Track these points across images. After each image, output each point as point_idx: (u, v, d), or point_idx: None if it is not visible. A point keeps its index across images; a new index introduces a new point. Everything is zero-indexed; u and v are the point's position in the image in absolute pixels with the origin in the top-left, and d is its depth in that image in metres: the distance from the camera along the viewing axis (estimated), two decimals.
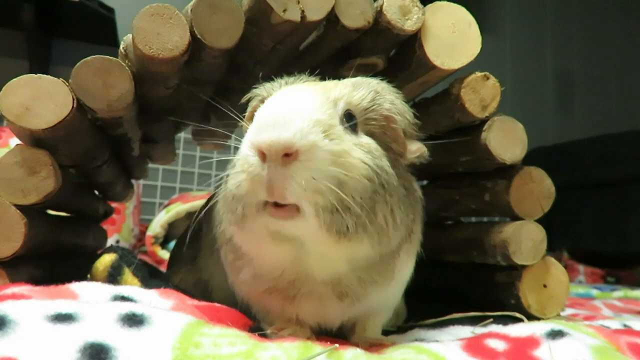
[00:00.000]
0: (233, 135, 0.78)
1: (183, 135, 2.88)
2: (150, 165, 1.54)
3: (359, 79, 0.75)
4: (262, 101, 0.75)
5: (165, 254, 2.35)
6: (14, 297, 0.63)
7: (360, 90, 0.72)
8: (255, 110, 0.74)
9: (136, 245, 2.54)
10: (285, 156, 0.59)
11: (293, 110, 0.63)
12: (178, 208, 2.48)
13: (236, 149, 0.69)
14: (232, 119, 0.80)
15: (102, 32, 2.57)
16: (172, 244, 2.41)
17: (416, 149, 0.74)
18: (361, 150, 0.66)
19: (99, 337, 0.52)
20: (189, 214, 2.39)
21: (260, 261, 0.71)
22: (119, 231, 2.36)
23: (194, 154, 3.05)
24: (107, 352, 0.50)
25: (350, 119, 0.69)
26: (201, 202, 1.87)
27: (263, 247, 0.68)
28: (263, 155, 0.60)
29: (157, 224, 2.46)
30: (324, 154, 0.61)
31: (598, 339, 0.70)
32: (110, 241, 2.07)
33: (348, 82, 0.74)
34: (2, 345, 0.48)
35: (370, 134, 0.71)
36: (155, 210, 2.87)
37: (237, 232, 0.69)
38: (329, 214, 0.62)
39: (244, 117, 0.79)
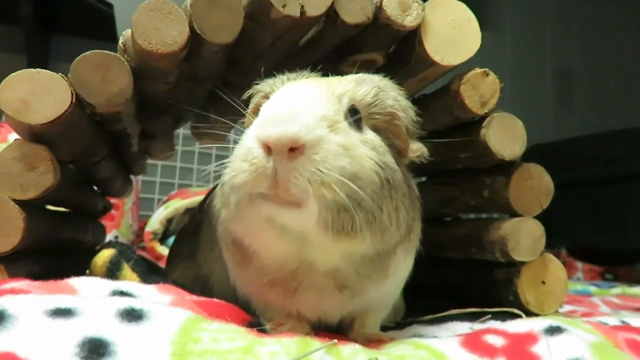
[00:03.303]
0: (232, 131, 0.78)
1: (182, 131, 2.88)
2: (149, 161, 1.54)
3: (361, 75, 0.75)
4: (265, 97, 0.75)
5: (164, 250, 2.35)
6: (13, 292, 0.63)
7: (364, 85, 0.72)
8: (258, 106, 0.74)
9: (135, 241, 2.54)
10: (291, 151, 0.59)
11: (299, 106, 0.63)
12: (177, 204, 2.47)
13: (236, 144, 0.69)
14: (232, 115, 0.80)
15: (100, 28, 2.55)
16: (171, 240, 2.41)
17: (417, 148, 0.75)
18: (366, 147, 0.66)
19: (98, 331, 0.52)
20: (188, 210, 2.39)
21: (265, 254, 0.70)
22: (117, 227, 2.35)
23: (193, 149, 3.05)
24: (106, 347, 0.50)
25: (354, 115, 0.69)
26: (200, 197, 1.87)
27: (265, 238, 0.67)
28: (268, 149, 0.60)
29: (156, 220, 2.45)
30: (330, 147, 0.61)
31: (596, 335, 0.70)
32: (109, 237, 2.07)
33: (351, 78, 0.74)
34: (0, 340, 0.49)
35: (374, 129, 0.71)
36: (154, 206, 2.87)
37: (234, 224, 0.69)
38: (334, 213, 0.61)
39: (245, 113, 0.79)
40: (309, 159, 0.60)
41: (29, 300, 0.56)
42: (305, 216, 0.62)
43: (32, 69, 0.77)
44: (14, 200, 0.76)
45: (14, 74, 0.76)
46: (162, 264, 1.49)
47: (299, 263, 0.69)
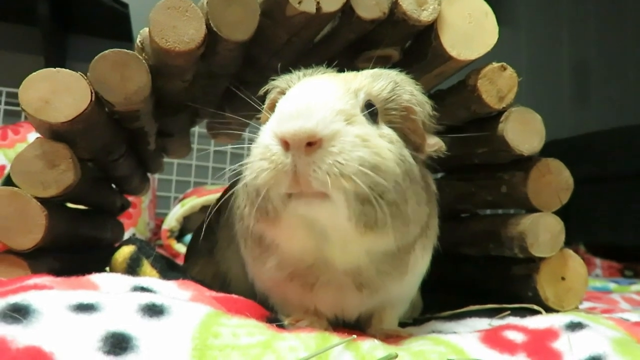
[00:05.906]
0: (248, 128, 0.78)
1: (197, 130, 2.89)
2: (165, 159, 1.55)
3: (377, 70, 0.75)
4: (281, 93, 0.75)
5: (180, 248, 2.37)
6: (36, 287, 0.63)
7: (380, 81, 0.72)
8: (274, 102, 0.74)
9: (152, 239, 2.57)
10: (309, 145, 0.59)
11: (316, 101, 0.63)
12: (193, 202, 2.49)
13: (251, 142, 0.69)
14: (247, 112, 0.80)
15: (116, 28, 2.58)
16: (187, 238, 2.43)
17: (434, 143, 0.74)
18: (384, 140, 0.66)
19: (120, 326, 0.52)
20: (204, 208, 2.41)
21: (286, 246, 0.70)
22: (135, 225, 2.38)
23: (209, 148, 3.07)
24: (129, 342, 0.51)
25: (370, 110, 0.69)
26: (216, 195, 1.88)
27: (293, 235, 0.67)
28: (286, 145, 0.60)
29: (173, 218, 2.48)
30: (348, 139, 0.61)
31: (618, 331, 0.69)
32: (127, 235, 2.09)
33: (367, 73, 0.74)
34: (26, 334, 0.49)
35: (390, 124, 0.71)
36: (171, 204, 2.89)
37: (269, 228, 0.68)
38: (360, 205, 0.61)
39: (261, 109, 0.79)
40: (326, 151, 0.60)
41: (53, 295, 0.57)
42: (334, 208, 0.61)
43: (52, 69, 0.78)
44: (36, 197, 0.78)
45: (34, 73, 0.78)
46: (179, 262, 1.50)
47: (315, 259, 0.70)
